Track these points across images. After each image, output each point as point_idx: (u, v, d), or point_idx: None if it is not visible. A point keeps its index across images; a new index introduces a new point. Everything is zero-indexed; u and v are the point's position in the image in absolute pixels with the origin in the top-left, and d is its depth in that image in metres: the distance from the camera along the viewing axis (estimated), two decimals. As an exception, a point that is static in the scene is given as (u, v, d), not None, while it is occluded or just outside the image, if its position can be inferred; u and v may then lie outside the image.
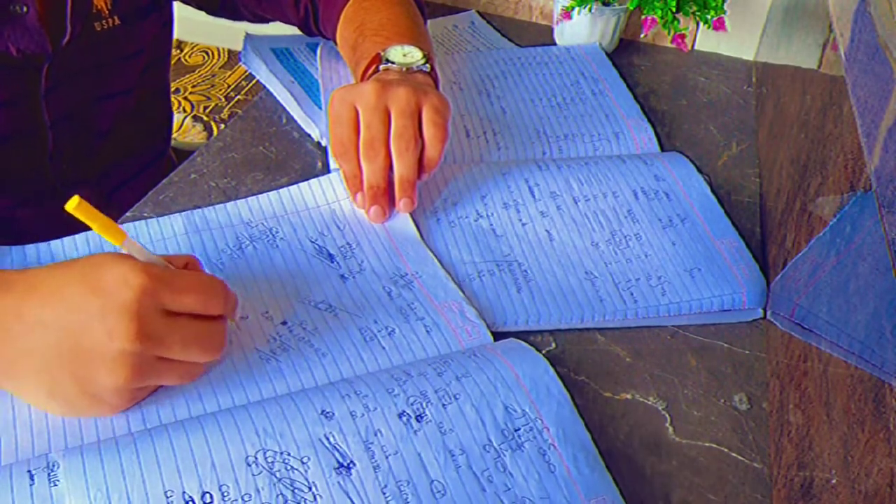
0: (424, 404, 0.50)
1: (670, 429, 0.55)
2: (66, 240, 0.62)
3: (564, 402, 0.52)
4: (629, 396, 0.57)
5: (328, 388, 0.51)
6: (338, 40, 0.84)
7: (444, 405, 0.50)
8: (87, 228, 0.65)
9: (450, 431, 0.49)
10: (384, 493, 0.46)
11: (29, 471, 0.45)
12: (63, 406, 0.48)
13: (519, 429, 0.50)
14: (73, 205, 0.46)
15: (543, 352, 0.59)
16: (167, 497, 0.45)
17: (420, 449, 0.48)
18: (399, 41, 0.74)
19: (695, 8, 0.92)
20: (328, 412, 0.49)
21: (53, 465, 0.45)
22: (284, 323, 0.58)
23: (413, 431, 0.48)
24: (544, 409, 0.51)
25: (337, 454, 0.47)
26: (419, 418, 0.49)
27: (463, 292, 0.61)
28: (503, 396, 0.51)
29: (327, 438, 0.48)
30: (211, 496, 0.45)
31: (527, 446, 0.49)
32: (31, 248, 0.62)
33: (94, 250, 0.62)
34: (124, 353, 0.46)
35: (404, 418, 0.49)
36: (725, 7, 0.92)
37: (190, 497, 0.45)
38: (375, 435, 0.48)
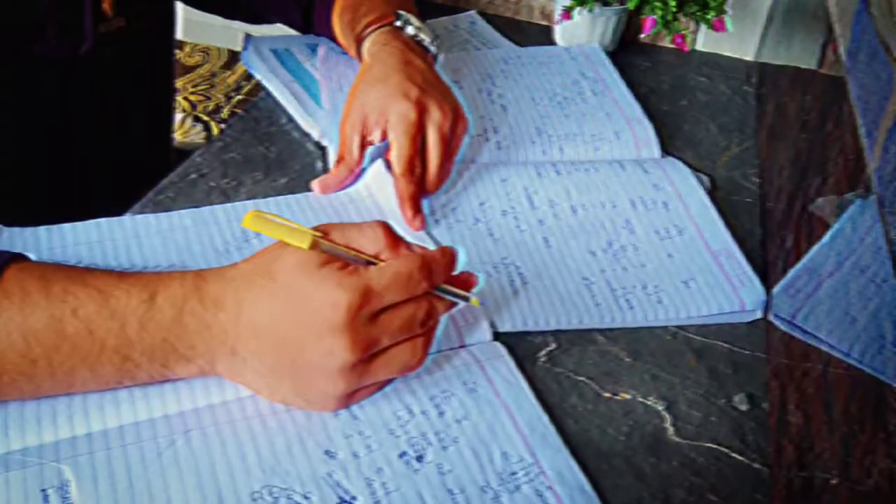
0: (425, 445, 0.51)
1: (670, 429, 0.55)
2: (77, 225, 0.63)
3: (560, 448, 0.52)
4: (629, 396, 0.57)
5: (332, 421, 0.51)
6: (335, 12, 0.85)
7: (444, 447, 0.51)
8: (90, 217, 0.65)
9: (449, 472, 0.50)
10: None
11: (43, 490, 0.46)
12: (280, 401, 0.51)
13: (516, 472, 0.50)
14: (249, 220, 0.48)
15: (543, 352, 0.59)
16: None
17: (420, 487, 0.49)
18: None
19: (695, 8, 0.92)
20: (332, 452, 0.50)
21: (65, 485, 0.46)
22: None
23: (413, 470, 0.49)
24: (541, 455, 0.51)
25: (340, 490, 0.48)
26: (419, 459, 0.50)
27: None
28: (501, 442, 0.52)
29: (330, 476, 0.48)
30: None
31: (524, 488, 0.49)
32: (41, 231, 0.62)
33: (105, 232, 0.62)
34: (343, 366, 0.48)
35: (405, 458, 0.50)
36: (726, 7, 0.92)
37: None
38: (377, 472, 0.49)
